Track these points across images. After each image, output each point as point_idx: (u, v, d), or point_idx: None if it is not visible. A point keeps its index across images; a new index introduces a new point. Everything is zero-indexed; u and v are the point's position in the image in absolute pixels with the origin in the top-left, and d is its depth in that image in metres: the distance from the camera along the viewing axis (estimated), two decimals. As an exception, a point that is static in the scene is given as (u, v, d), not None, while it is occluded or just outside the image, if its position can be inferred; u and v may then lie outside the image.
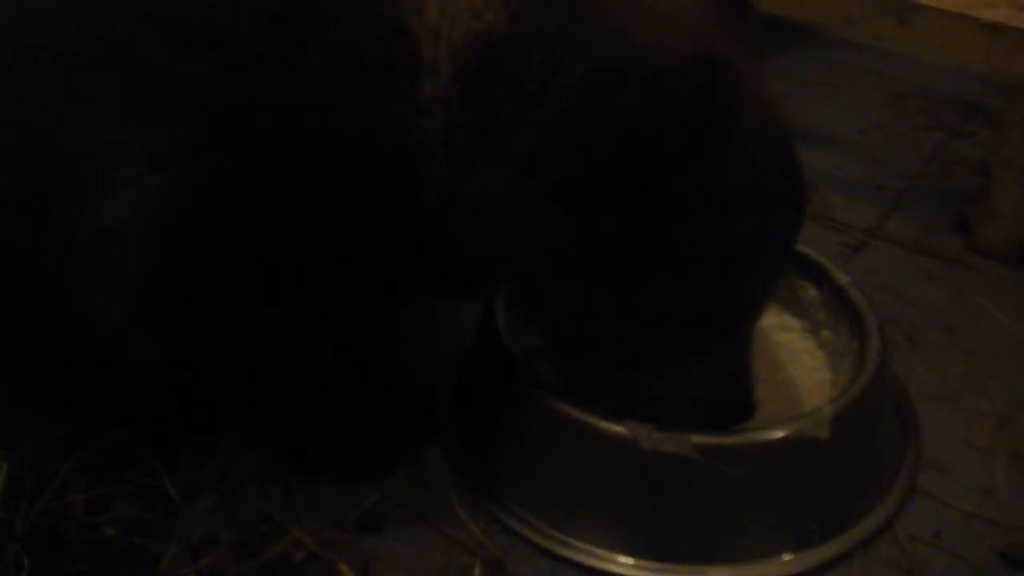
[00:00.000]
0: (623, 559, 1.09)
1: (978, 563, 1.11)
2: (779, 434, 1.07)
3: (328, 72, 0.94)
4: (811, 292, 1.32)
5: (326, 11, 0.94)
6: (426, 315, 1.38)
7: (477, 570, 1.10)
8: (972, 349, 1.41)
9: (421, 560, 1.11)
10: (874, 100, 2.03)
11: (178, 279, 1.00)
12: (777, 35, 2.15)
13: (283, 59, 0.94)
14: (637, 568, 1.09)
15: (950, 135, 1.91)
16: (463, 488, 1.18)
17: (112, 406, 1.18)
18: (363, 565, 1.10)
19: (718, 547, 1.09)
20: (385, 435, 1.21)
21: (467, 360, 1.28)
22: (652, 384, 1.11)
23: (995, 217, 1.56)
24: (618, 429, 1.06)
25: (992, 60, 1.47)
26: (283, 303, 1.03)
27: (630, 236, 0.97)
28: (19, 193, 1.00)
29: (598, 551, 1.10)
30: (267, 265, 1.00)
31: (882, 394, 1.19)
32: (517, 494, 1.15)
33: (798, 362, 1.28)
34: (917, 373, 1.36)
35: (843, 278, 1.28)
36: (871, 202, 1.71)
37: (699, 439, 1.05)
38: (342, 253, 1.02)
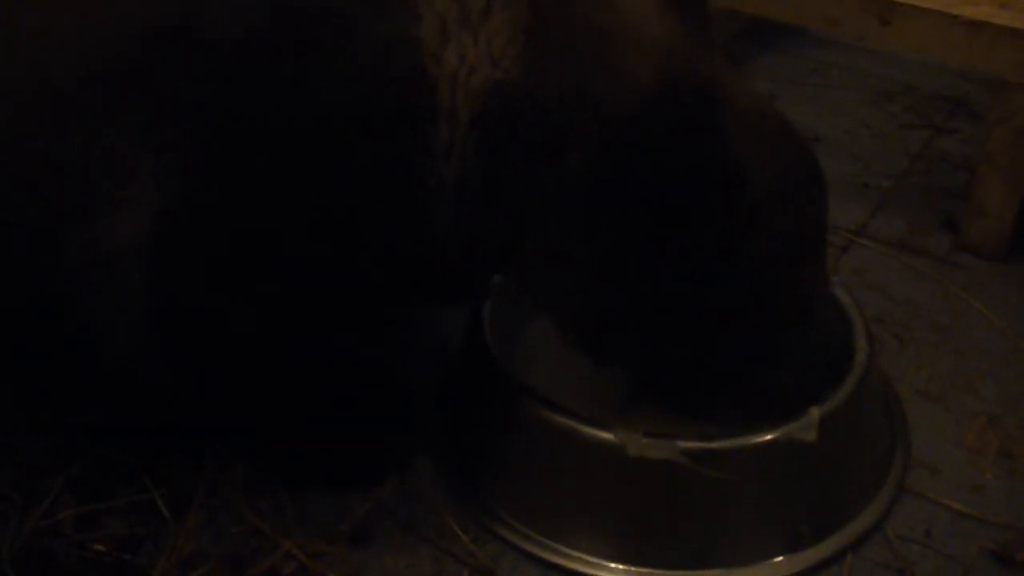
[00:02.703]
0: (614, 565, 1.09)
1: (968, 562, 1.11)
2: (767, 437, 1.07)
3: (342, 108, 0.95)
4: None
5: (345, 46, 0.94)
6: (412, 323, 1.38)
7: (468, 580, 1.10)
8: (961, 347, 1.41)
9: (411, 571, 1.11)
10: (859, 99, 2.03)
11: (181, 297, 1.00)
12: (761, 35, 2.15)
13: (297, 90, 0.94)
14: (628, 574, 1.09)
15: (935, 132, 1.91)
16: (452, 498, 1.18)
17: (103, 421, 1.18)
18: (353, 576, 1.10)
19: (708, 552, 1.09)
20: (373, 444, 1.21)
21: (454, 368, 1.28)
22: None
23: (981, 214, 1.56)
24: (606, 436, 1.06)
25: (973, 57, 1.47)
26: (282, 321, 1.04)
27: (675, 269, 1.01)
28: (28, 213, 1.00)
29: (589, 558, 1.10)
30: (268, 285, 1.01)
31: (870, 395, 1.19)
32: (506, 503, 1.14)
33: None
34: (905, 372, 1.36)
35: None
36: (858, 201, 1.71)
37: (686, 444, 1.05)
38: (343, 277, 1.03)
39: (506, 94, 0.97)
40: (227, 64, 0.94)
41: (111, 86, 0.95)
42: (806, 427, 1.08)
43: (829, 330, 1.20)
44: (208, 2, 0.94)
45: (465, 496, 1.17)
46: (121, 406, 1.14)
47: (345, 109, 0.95)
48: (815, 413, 1.08)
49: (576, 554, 1.10)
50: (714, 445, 1.06)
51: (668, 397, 1.19)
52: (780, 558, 1.10)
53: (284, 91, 0.94)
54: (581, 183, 0.99)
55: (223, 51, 0.94)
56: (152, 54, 0.95)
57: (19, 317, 1.05)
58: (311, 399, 1.13)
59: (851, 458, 1.15)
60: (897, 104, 2.01)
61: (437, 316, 1.37)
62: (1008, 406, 1.31)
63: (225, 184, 0.96)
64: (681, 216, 0.99)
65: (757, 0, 1.65)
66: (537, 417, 1.10)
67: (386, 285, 1.05)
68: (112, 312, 1.01)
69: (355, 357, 1.15)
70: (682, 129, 0.96)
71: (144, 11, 0.96)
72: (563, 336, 1.15)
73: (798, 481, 1.10)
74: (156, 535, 1.14)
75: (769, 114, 1.07)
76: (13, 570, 1.09)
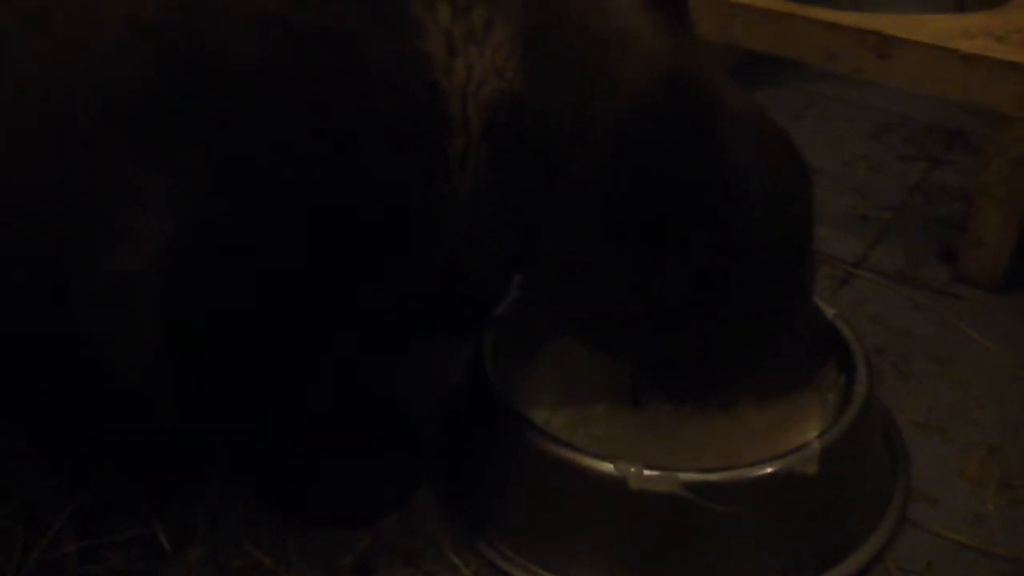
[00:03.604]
0: (615, 598, 1.09)
1: (971, 594, 1.12)
2: (767, 470, 1.07)
3: (356, 124, 0.95)
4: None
5: (357, 63, 0.95)
6: (415, 355, 1.39)
7: (469, 613, 1.10)
8: (960, 378, 1.41)
9: (413, 604, 1.11)
10: (857, 131, 2.04)
11: (193, 322, 1.01)
12: (758, 69, 2.16)
13: (311, 110, 0.95)
14: (629, 607, 1.09)
15: (933, 164, 1.92)
16: (454, 531, 1.18)
17: (109, 450, 1.19)
18: (355, 611, 1.10)
19: (710, 584, 1.09)
20: (376, 479, 1.21)
21: (456, 401, 1.28)
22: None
23: (978, 245, 1.56)
24: (607, 468, 1.07)
25: (970, 90, 1.48)
26: (295, 350, 1.04)
27: (680, 269, 1.03)
28: (39, 242, 1.00)
29: (590, 591, 1.10)
30: (282, 311, 1.01)
31: (870, 427, 1.19)
32: (508, 536, 1.15)
33: (786, 396, 1.28)
34: (906, 404, 1.36)
35: (829, 311, 1.28)
36: (857, 233, 1.72)
37: (687, 477, 1.05)
38: (357, 302, 1.03)
39: (513, 105, 0.98)
40: (238, 86, 0.94)
41: (122, 112, 0.96)
42: (807, 459, 1.08)
43: (815, 315, 1.25)
44: (218, 25, 0.95)
45: (467, 529, 1.17)
46: (128, 433, 1.14)
47: (359, 125, 0.95)
48: (816, 445, 1.08)
49: (578, 586, 1.10)
50: (714, 478, 1.06)
51: (671, 387, 1.21)
52: (781, 590, 1.10)
53: (297, 111, 0.95)
54: (586, 190, 1.01)
55: (234, 73, 0.94)
56: (163, 79, 0.95)
57: (27, 344, 1.06)
58: (316, 431, 1.13)
59: (852, 490, 1.15)
60: (895, 136, 2.02)
61: (439, 349, 1.38)
62: (1009, 436, 1.31)
63: (239, 206, 0.96)
64: (683, 218, 1.01)
65: (755, 35, 1.66)
66: (538, 450, 1.10)
67: (400, 305, 1.06)
68: (123, 338, 1.01)
69: (362, 389, 1.16)
70: (681, 134, 0.98)
71: (154, 36, 0.96)
72: (570, 335, 1.18)
73: (799, 513, 1.10)
74: (158, 569, 1.14)
75: (760, 116, 1.10)
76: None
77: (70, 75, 0.97)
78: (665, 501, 1.05)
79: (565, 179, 1.00)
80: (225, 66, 0.94)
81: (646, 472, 1.05)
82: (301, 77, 0.94)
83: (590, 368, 1.26)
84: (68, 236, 0.98)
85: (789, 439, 1.17)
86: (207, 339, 1.01)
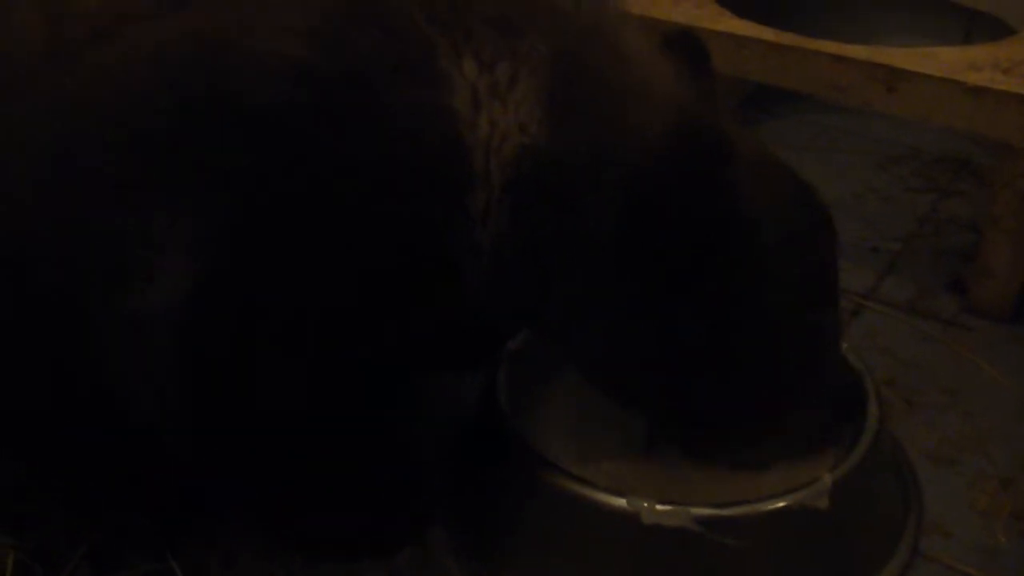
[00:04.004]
0: (629, 633, 1.09)
1: (983, 627, 1.12)
2: (779, 504, 1.07)
3: (378, 175, 0.96)
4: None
5: (381, 113, 0.95)
6: (430, 390, 1.39)
7: (483, 648, 1.10)
8: (971, 410, 1.42)
9: (426, 640, 1.11)
10: (866, 163, 2.05)
11: (211, 364, 1.01)
12: (767, 101, 2.18)
13: (333, 158, 0.95)
14: (643, 642, 1.09)
15: (942, 195, 1.93)
16: (465, 565, 1.18)
17: (123, 489, 1.19)
18: (368, 647, 1.11)
19: (723, 618, 1.09)
20: (389, 514, 1.22)
21: (468, 435, 1.29)
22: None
23: (988, 276, 1.57)
24: (620, 503, 1.07)
25: (977, 122, 1.49)
26: (308, 388, 1.05)
27: (693, 317, 1.04)
28: (57, 283, 1.00)
29: (603, 626, 1.10)
30: (301, 355, 1.02)
31: (881, 459, 1.19)
32: (519, 570, 1.15)
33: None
34: (916, 436, 1.36)
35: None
36: (866, 265, 1.72)
37: (700, 512, 1.05)
38: (376, 348, 1.04)
39: (535, 159, 0.99)
40: (258, 131, 0.95)
41: (142, 154, 0.96)
42: (818, 494, 1.08)
43: (842, 372, 1.23)
44: (239, 69, 0.95)
45: (479, 564, 1.18)
46: (142, 472, 1.15)
47: (380, 175, 0.96)
48: (827, 480, 1.09)
49: (591, 622, 1.11)
50: (727, 512, 1.06)
51: (690, 441, 1.20)
52: (795, 625, 1.10)
53: (319, 158, 0.95)
54: (603, 237, 1.01)
55: (254, 118, 0.95)
56: (187, 120, 0.95)
57: (45, 382, 1.06)
58: (329, 468, 1.14)
59: (864, 523, 1.16)
60: (904, 168, 2.03)
61: (452, 383, 1.38)
62: (1020, 468, 1.31)
63: (259, 251, 0.97)
64: (695, 266, 1.02)
65: (763, 67, 1.68)
66: (550, 484, 1.11)
67: (417, 351, 1.07)
68: (139, 378, 1.02)
69: (377, 426, 1.16)
70: (693, 182, 0.98)
71: (179, 76, 0.97)
72: (587, 382, 1.17)
73: (811, 548, 1.10)
74: (172, 605, 1.14)
75: (776, 165, 1.10)
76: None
77: (94, 112, 0.98)
78: (678, 536, 1.05)
79: (581, 227, 1.01)
80: (248, 110, 0.94)
81: (658, 507, 1.06)
82: (324, 125, 0.95)
83: (604, 402, 1.26)
84: (87, 275, 0.99)
85: (800, 473, 1.17)
86: (224, 382, 1.02)
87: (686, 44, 1.10)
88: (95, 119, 0.98)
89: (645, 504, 1.06)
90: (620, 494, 1.08)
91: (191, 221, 0.95)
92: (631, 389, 1.14)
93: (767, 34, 1.67)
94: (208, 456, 1.08)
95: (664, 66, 1.06)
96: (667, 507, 1.06)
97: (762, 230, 1.03)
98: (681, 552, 1.07)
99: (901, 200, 1.92)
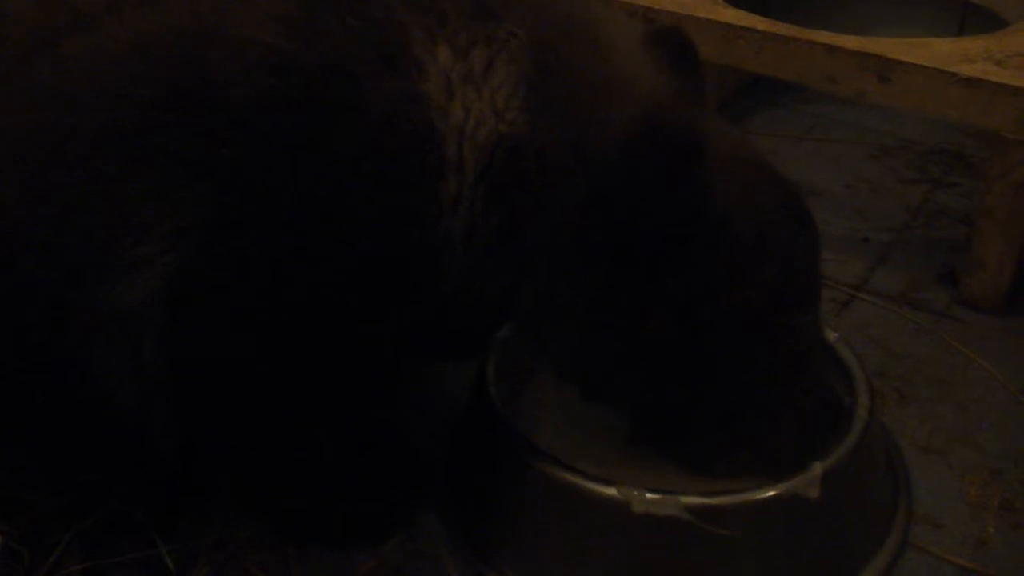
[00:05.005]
0: (619, 621, 1.10)
1: (972, 617, 1.12)
2: (769, 494, 1.07)
3: (354, 163, 0.96)
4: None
5: (357, 102, 0.96)
6: (419, 380, 1.39)
7: (473, 636, 1.11)
8: (962, 401, 1.42)
9: (417, 627, 1.11)
10: (859, 154, 2.05)
11: (194, 354, 1.01)
12: (761, 92, 2.18)
13: (309, 146, 0.96)
14: (633, 630, 1.09)
15: (934, 186, 1.93)
16: (458, 555, 1.18)
17: (112, 477, 1.19)
18: (359, 633, 1.11)
19: (713, 608, 1.10)
20: (380, 502, 1.22)
21: (460, 425, 1.29)
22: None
23: (980, 268, 1.57)
24: (610, 493, 1.07)
25: (970, 114, 1.49)
26: (293, 377, 1.04)
27: (662, 315, 1.03)
28: (42, 274, 1.00)
29: (594, 614, 1.10)
30: (284, 345, 1.02)
31: (872, 450, 1.19)
32: (512, 560, 1.15)
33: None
34: (907, 427, 1.37)
35: (830, 334, 1.29)
36: (858, 256, 1.72)
37: (690, 501, 1.05)
38: (358, 335, 1.04)
39: (512, 147, 0.99)
40: (240, 120, 0.95)
41: (127, 146, 0.96)
42: (809, 483, 1.08)
43: (823, 377, 1.22)
44: (220, 62, 0.96)
45: (470, 552, 1.18)
46: (130, 461, 1.15)
47: (355, 163, 0.96)
48: (818, 469, 1.09)
49: (581, 610, 1.11)
50: (717, 501, 1.06)
51: (664, 441, 1.19)
52: (784, 614, 1.10)
53: (296, 147, 0.96)
54: (571, 230, 1.01)
55: (235, 110, 0.95)
56: (168, 110, 0.96)
57: (28, 375, 1.06)
58: (318, 456, 1.14)
59: (854, 514, 1.16)
60: (896, 159, 2.03)
61: (442, 373, 1.38)
62: (1010, 460, 1.32)
63: (241, 240, 0.97)
64: (663, 262, 1.01)
65: (757, 58, 1.67)
66: (542, 474, 1.11)
67: (396, 339, 1.06)
68: (123, 368, 1.02)
69: (363, 415, 1.16)
70: (660, 176, 0.98)
71: (158, 71, 0.97)
72: (561, 379, 1.17)
73: (801, 537, 1.10)
74: (163, 591, 1.14)
75: (756, 164, 1.09)
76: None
77: (76, 102, 0.98)
78: (668, 524, 1.05)
79: (551, 218, 1.00)
80: (228, 100, 0.95)
81: (649, 495, 1.06)
82: (301, 113, 0.95)
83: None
84: (70, 268, 0.99)
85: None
86: (209, 373, 1.02)
87: (672, 40, 1.09)
88: (78, 105, 0.98)
89: (636, 493, 1.06)
90: (611, 483, 1.08)
91: (173, 212, 0.95)
92: (603, 386, 1.13)
93: (761, 24, 1.66)
94: (194, 444, 1.08)
95: (643, 61, 1.05)
96: (658, 496, 1.06)
97: (733, 227, 1.02)
98: (672, 541, 1.07)
99: (893, 191, 1.92)
